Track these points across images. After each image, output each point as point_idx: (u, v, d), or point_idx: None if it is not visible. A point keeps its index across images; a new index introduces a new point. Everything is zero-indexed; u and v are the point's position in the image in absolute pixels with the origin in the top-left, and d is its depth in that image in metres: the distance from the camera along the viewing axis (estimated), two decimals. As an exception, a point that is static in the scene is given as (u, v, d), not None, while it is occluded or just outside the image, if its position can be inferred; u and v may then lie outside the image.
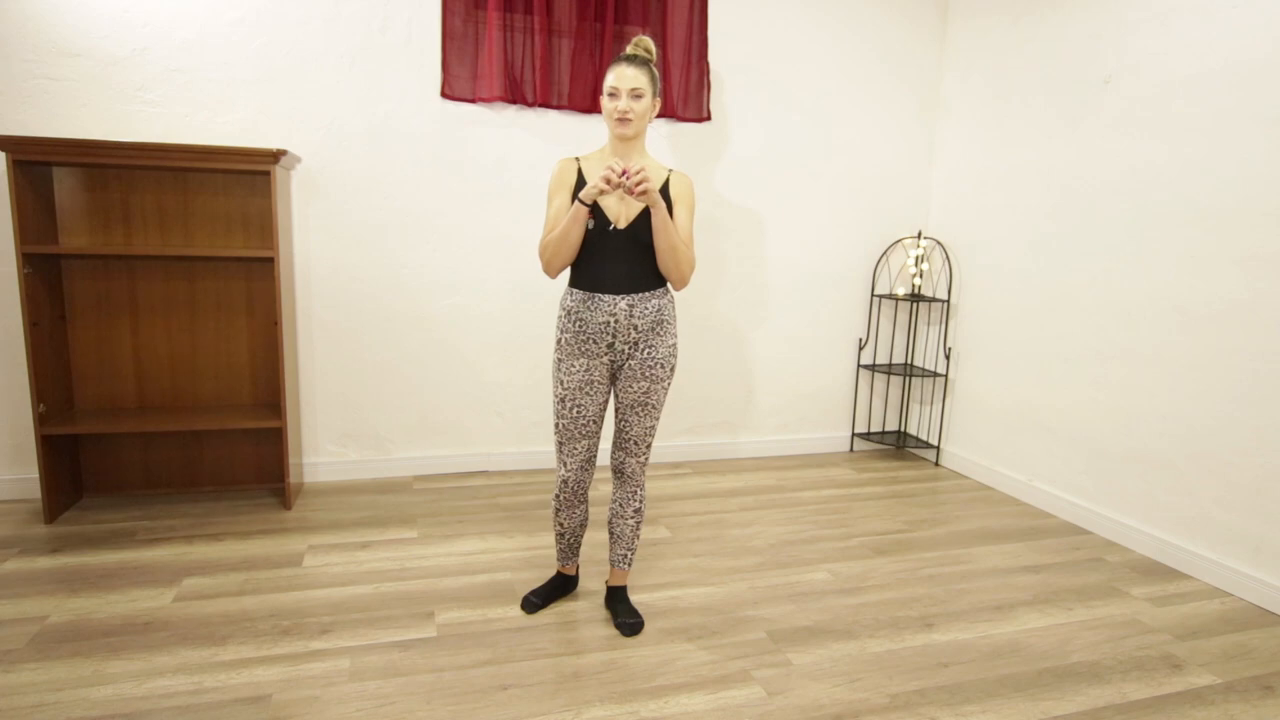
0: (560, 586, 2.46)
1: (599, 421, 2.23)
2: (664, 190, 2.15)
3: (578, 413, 2.19)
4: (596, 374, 2.17)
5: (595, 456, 2.28)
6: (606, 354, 2.16)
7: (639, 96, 2.06)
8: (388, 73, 3.26)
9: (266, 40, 3.11)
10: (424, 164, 3.37)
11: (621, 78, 2.06)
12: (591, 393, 2.18)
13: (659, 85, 2.13)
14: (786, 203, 3.90)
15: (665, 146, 3.64)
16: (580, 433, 2.21)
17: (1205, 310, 2.74)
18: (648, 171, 2.15)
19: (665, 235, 2.07)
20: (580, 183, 2.15)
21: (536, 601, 2.39)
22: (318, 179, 3.25)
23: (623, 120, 2.08)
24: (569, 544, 2.40)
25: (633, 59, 2.08)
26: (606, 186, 1.95)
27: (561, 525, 2.35)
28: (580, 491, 2.30)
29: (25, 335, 2.76)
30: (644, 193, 1.95)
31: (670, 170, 2.19)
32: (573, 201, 2.13)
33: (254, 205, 3.15)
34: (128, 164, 2.75)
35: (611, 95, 2.08)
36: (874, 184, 4.03)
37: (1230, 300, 2.66)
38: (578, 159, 2.19)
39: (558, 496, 2.30)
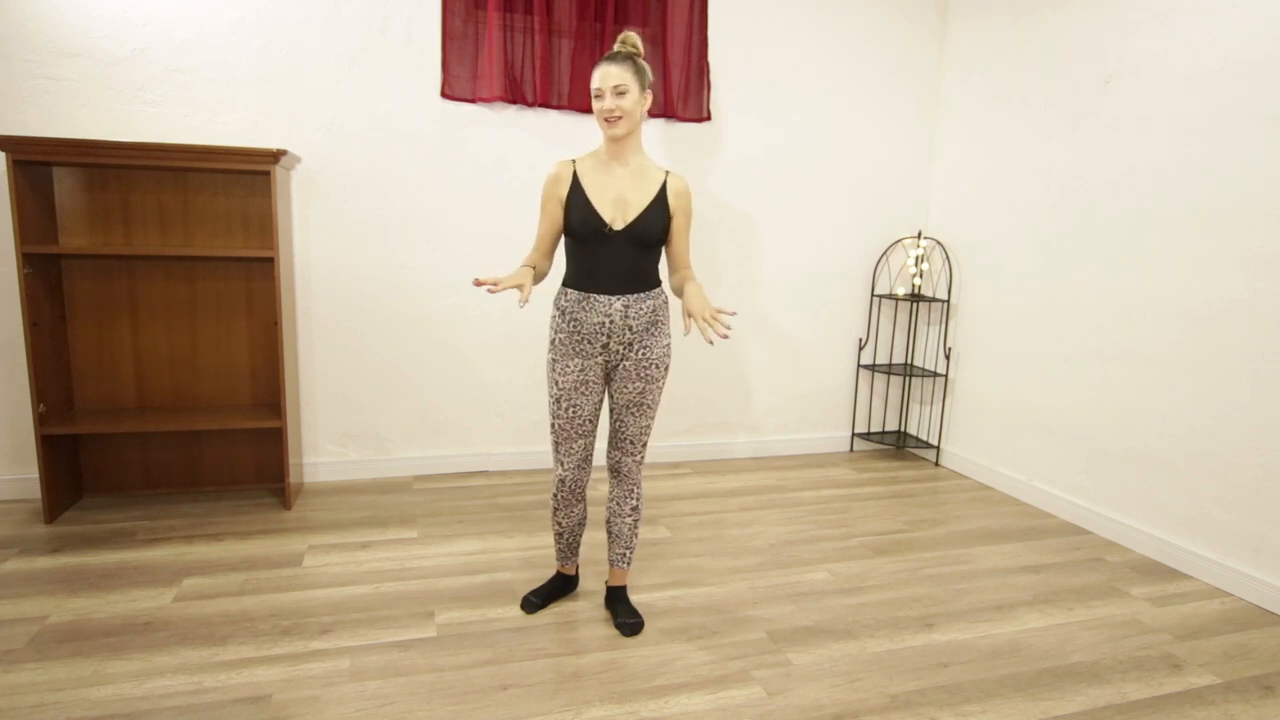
0: (560, 587, 2.46)
1: (594, 421, 2.23)
2: (661, 195, 2.14)
3: (573, 413, 2.19)
4: (591, 374, 2.17)
5: (592, 456, 2.28)
6: (601, 354, 2.16)
7: (623, 93, 2.04)
8: (388, 73, 3.26)
9: (266, 40, 3.11)
10: (424, 164, 3.37)
11: (605, 77, 2.03)
12: (587, 393, 2.18)
13: (648, 78, 2.10)
14: (786, 203, 3.90)
15: (665, 146, 3.65)
16: (576, 432, 2.21)
17: (1205, 310, 2.74)
18: (644, 171, 2.15)
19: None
20: (575, 186, 2.13)
21: (536, 601, 2.39)
22: (318, 179, 3.25)
23: (611, 120, 2.06)
24: (568, 543, 2.40)
25: (614, 56, 2.05)
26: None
27: (560, 525, 2.35)
28: (577, 491, 2.30)
29: (25, 335, 2.76)
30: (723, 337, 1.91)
31: (667, 172, 2.18)
32: (569, 200, 2.12)
33: (254, 205, 3.15)
34: (128, 164, 2.75)
35: (597, 97, 2.06)
36: (874, 184, 4.03)
37: (1230, 300, 2.66)
38: (573, 161, 2.17)
39: (555, 496, 2.30)
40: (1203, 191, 2.74)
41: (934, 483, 3.77)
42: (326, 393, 3.42)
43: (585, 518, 2.39)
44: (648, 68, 2.11)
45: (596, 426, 2.25)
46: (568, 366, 2.16)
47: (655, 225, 2.12)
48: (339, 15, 3.17)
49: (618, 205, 2.11)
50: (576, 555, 2.45)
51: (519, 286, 1.96)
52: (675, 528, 3.09)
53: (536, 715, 1.89)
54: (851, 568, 2.78)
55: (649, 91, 2.11)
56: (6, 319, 3.02)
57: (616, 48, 2.12)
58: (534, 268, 2.12)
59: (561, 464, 2.25)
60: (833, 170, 3.95)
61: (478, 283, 1.86)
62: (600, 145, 2.18)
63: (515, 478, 3.60)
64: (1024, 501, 3.53)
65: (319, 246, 3.30)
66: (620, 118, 2.05)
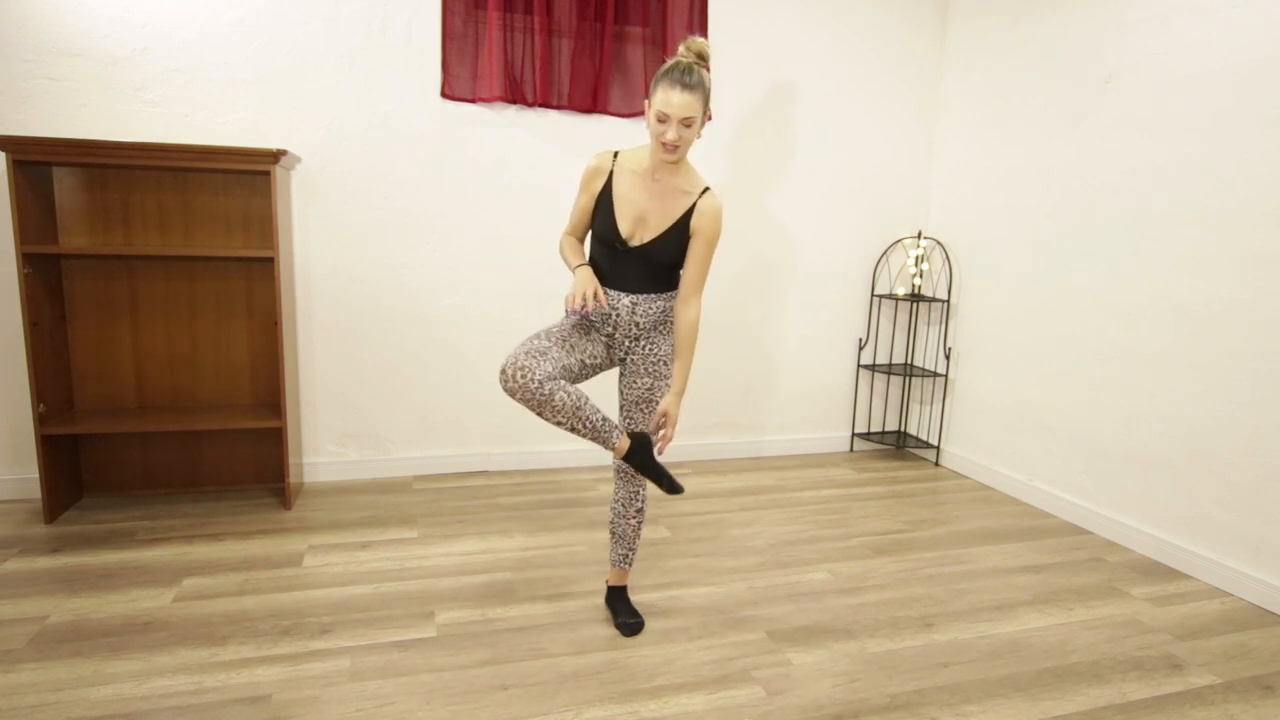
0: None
1: (571, 357, 2.04)
2: (685, 219, 2.05)
3: (557, 331, 2.07)
4: (593, 332, 2.17)
5: (552, 366, 1.93)
6: (606, 340, 2.18)
7: (690, 125, 1.92)
8: (388, 73, 3.26)
9: (266, 40, 3.11)
10: (424, 164, 3.37)
11: (680, 106, 1.88)
12: (579, 341, 2.10)
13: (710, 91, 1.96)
14: (786, 203, 3.90)
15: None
16: (549, 338, 2.02)
17: (1205, 310, 2.74)
18: (679, 188, 2.06)
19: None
20: (607, 188, 2.08)
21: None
22: (318, 179, 3.25)
23: (670, 149, 1.94)
24: (589, 427, 1.96)
25: (689, 83, 1.88)
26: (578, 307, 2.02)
27: (558, 423, 1.95)
28: (529, 387, 1.87)
29: (25, 335, 2.76)
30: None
31: (706, 190, 2.07)
32: (598, 200, 2.10)
33: (254, 205, 3.15)
34: (128, 164, 2.75)
35: (661, 120, 1.91)
36: (874, 184, 4.03)
37: (1230, 300, 2.66)
38: (615, 156, 2.09)
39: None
40: (1203, 191, 2.74)
41: (934, 483, 3.77)
42: (326, 393, 3.42)
43: (580, 404, 1.94)
44: (710, 81, 1.96)
45: (571, 368, 2.04)
46: (571, 318, 2.17)
47: (668, 251, 2.07)
48: (339, 15, 3.17)
49: (638, 223, 2.07)
50: (614, 432, 2.01)
51: (593, 292, 2.01)
52: (675, 528, 3.09)
53: (536, 715, 1.89)
54: (851, 568, 2.78)
55: (708, 110, 1.98)
56: (6, 319, 3.02)
57: (684, 57, 1.94)
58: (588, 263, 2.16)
59: (512, 353, 1.93)
60: (833, 170, 3.95)
61: (571, 311, 1.99)
62: (646, 146, 2.08)
63: (515, 478, 3.60)
64: (1024, 501, 3.53)
65: (319, 246, 3.30)
66: (680, 147, 1.96)
